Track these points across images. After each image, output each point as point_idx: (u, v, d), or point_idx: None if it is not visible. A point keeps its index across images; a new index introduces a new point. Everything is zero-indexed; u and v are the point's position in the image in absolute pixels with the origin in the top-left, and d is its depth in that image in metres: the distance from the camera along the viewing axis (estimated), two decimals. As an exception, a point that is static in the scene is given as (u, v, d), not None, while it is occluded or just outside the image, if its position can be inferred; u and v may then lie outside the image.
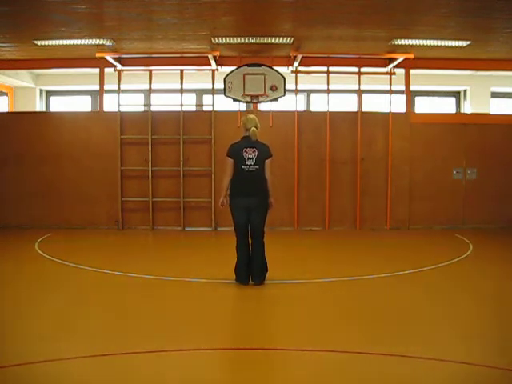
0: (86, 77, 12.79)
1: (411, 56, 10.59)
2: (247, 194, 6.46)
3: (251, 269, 6.58)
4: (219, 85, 11.38)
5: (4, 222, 11.54)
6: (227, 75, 11.20)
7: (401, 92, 12.03)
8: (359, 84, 11.68)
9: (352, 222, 11.73)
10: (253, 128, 6.51)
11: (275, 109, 11.57)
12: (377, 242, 10.49)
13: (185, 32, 9.57)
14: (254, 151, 6.45)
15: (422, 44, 10.11)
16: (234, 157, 6.48)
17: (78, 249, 9.49)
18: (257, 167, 6.44)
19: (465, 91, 13.84)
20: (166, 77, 12.33)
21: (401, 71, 11.76)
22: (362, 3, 7.89)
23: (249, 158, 6.43)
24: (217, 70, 11.58)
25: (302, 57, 11.09)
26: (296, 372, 4.12)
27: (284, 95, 11.23)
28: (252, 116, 6.68)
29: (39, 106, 13.81)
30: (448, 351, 4.40)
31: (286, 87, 11.20)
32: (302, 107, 13.12)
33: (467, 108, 13.72)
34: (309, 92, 13.58)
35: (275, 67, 11.27)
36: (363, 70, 11.65)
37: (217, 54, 10.82)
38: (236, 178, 6.48)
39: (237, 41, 10.07)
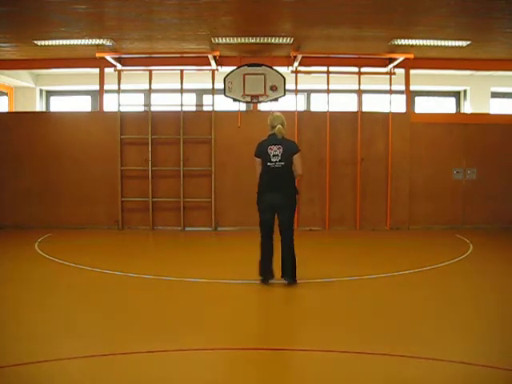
0: (85, 77, 12.80)
1: (411, 56, 10.59)
2: (272, 190, 6.46)
3: (283, 268, 6.51)
4: (219, 85, 11.38)
5: (4, 222, 11.54)
6: (227, 75, 11.20)
7: (401, 92, 12.03)
8: (359, 84, 11.68)
9: (352, 222, 11.73)
10: (278, 126, 6.55)
11: (275, 109, 11.55)
12: (377, 242, 10.48)
13: (185, 32, 9.57)
14: (279, 148, 6.47)
15: (422, 44, 10.11)
16: (260, 155, 6.53)
17: (78, 249, 9.49)
18: (282, 163, 6.45)
19: (465, 91, 13.84)
20: (165, 77, 12.33)
21: (401, 71, 11.76)
22: (361, 3, 7.90)
23: (274, 155, 6.45)
24: (217, 70, 11.58)
25: (302, 57, 11.09)
26: (296, 372, 4.13)
27: (284, 95, 11.23)
28: (278, 114, 6.73)
29: (39, 106, 13.81)
30: (450, 351, 4.39)
31: (286, 87, 11.20)
32: (302, 107, 13.12)
33: (467, 108, 13.72)
34: (309, 92, 13.58)
35: (275, 67, 11.27)
36: (363, 70, 11.65)
37: (217, 54, 10.82)
38: (263, 174, 6.54)
39: (237, 41, 10.08)
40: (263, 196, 6.53)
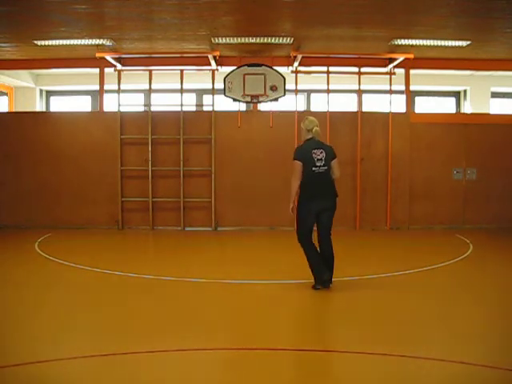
0: (86, 77, 12.80)
1: (411, 56, 10.58)
2: (321, 197, 6.38)
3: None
4: (219, 85, 11.38)
5: (4, 222, 11.54)
6: (227, 75, 11.20)
7: (401, 92, 12.03)
8: (359, 84, 11.68)
9: (352, 222, 11.73)
10: (315, 128, 6.50)
11: (275, 109, 11.56)
12: (377, 242, 10.49)
13: (185, 32, 9.57)
14: (322, 152, 6.40)
15: (422, 44, 10.11)
16: (303, 159, 6.37)
17: (78, 249, 9.50)
18: (326, 168, 6.39)
19: (465, 91, 13.84)
20: (165, 77, 12.33)
21: (401, 71, 11.76)
22: (361, 3, 7.89)
23: (318, 159, 6.36)
24: (217, 70, 11.58)
25: (302, 57, 11.09)
26: (296, 372, 4.13)
27: (284, 95, 11.23)
28: (312, 118, 6.66)
29: (39, 106, 13.81)
30: (449, 351, 4.39)
31: (286, 87, 11.20)
32: (302, 107, 13.11)
33: (467, 108, 13.72)
34: (309, 92, 13.58)
35: (275, 67, 11.28)
36: (363, 70, 11.65)
37: (217, 54, 10.81)
38: (307, 180, 6.36)
39: (237, 41, 10.07)
40: (311, 202, 6.35)
